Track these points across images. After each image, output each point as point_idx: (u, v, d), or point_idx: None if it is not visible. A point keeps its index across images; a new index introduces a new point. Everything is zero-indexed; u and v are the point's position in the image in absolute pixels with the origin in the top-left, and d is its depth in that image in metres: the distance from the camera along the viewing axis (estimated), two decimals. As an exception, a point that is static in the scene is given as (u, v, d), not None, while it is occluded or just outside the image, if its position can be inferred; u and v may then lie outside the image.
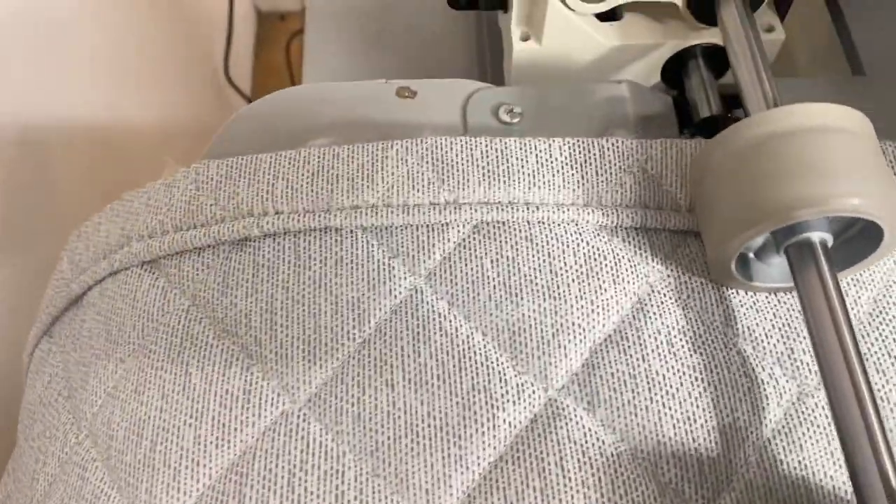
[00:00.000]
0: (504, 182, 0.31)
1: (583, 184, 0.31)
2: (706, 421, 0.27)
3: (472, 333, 0.28)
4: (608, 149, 0.31)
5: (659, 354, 0.28)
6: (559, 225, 0.30)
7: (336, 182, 0.31)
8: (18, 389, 0.36)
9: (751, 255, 0.29)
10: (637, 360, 0.28)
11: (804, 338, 0.28)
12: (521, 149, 0.31)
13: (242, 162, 0.32)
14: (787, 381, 0.27)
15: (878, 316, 0.28)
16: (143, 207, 0.32)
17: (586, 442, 0.26)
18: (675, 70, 0.39)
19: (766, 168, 0.26)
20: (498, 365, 0.28)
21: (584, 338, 0.28)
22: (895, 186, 0.26)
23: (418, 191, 0.30)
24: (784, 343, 0.28)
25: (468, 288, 0.29)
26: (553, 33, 0.38)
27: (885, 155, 0.30)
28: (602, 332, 0.28)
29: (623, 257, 0.30)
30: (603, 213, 0.30)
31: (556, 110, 0.35)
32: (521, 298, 0.29)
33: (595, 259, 0.30)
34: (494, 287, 0.29)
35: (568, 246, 0.30)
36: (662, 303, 0.29)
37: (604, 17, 0.38)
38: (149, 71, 0.82)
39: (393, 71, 0.49)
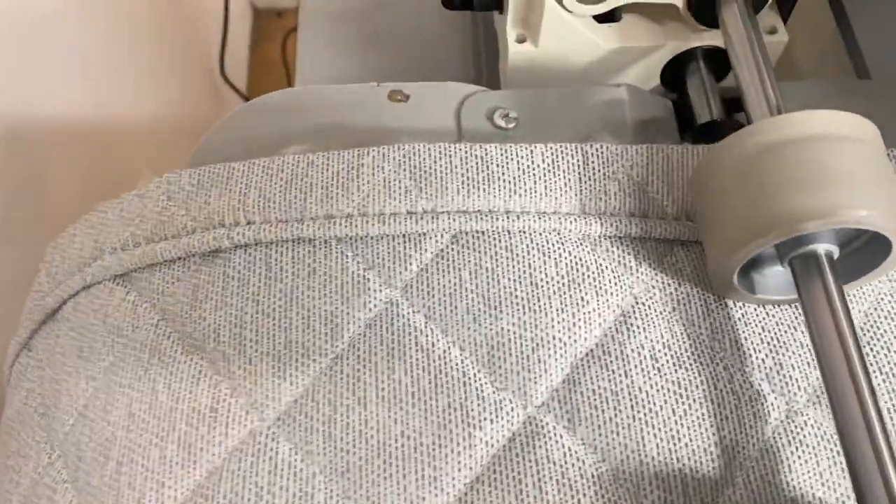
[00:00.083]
0: (484, 190, 0.30)
1: (565, 191, 0.30)
2: (691, 440, 0.26)
3: (449, 348, 0.28)
4: (592, 155, 0.31)
5: (642, 370, 0.27)
6: (541, 234, 0.30)
7: (310, 191, 0.30)
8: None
9: (753, 266, 0.28)
10: (619, 375, 0.27)
11: (793, 352, 0.28)
12: (501, 155, 0.31)
13: (215, 171, 0.31)
14: (775, 398, 0.27)
15: (868, 330, 0.28)
16: (116, 219, 0.32)
17: (566, 462, 0.26)
18: (674, 73, 0.39)
19: (771, 178, 0.26)
20: (476, 381, 0.27)
21: (565, 352, 0.28)
22: None
23: (395, 199, 0.30)
24: (773, 358, 0.27)
25: (446, 301, 0.29)
26: (549, 35, 0.37)
27: (893, 163, 0.30)
28: (584, 346, 0.28)
29: (606, 268, 0.29)
30: (586, 222, 0.30)
31: (553, 115, 0.35)
32: (501, 311, 0.28)
33: (577, 270, 0.29)
34: (473, 300, 0.29)
35: (549, 256, 0.29)
36: (647, 315, 0.28)
37: (602, 18, 0.38)
38: (142, 68, 0.82)
39: (387, 72, 0.49)
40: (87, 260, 0.32)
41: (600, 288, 0.29)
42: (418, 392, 0.27)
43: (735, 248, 0.26)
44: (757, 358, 0.28)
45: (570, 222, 0.30)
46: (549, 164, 0.30)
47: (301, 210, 0.30)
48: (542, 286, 0.29)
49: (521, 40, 0.39)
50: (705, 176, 0.28)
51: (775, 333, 0.28)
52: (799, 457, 0.26)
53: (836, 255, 0.27)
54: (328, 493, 0.26)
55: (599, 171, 0.30)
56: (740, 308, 0.29)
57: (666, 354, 0.28)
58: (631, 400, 0.27)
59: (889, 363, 0.27)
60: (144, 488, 0.26)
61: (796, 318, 0.28)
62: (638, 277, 0.29)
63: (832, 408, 0.24)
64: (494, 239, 0.30)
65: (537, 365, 0.27)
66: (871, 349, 0.28)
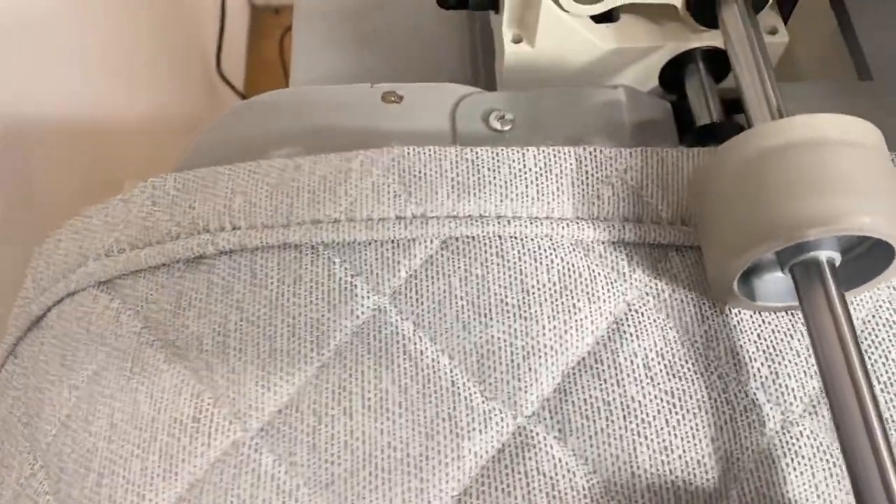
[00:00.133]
0: (474, 194, 0.30)
1: (558, 195, 0.30)
2: (684, 451, 0.26)
3: (438, 356, 0.28)
4: (585, 158, 0.30)
5: (635, 379, 0.27)
6: (532, 240, 0.29)
7: (296, 195, 0.30)
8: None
9: (752, 272, 0.28)
10: (612, 385, 0.27)
11: (789, 361, 0.27)
12: (493, 159, 0.30)
13: (200, 175, 0.31)
14: (771, 408, 0.27)
15: (866, 339, 0.28)
16: (101, 224, 0.32)
17: (556, 474, 0.26)
18: (673, 74, 0.39)
19: (772, 183, 0.26)
20: (465, 390, 0.27)
21: (557, 361, 0.27)
22: None
23: (383, 204, 0.30)
24: (769, 367, 0.27)
25: (435, 308, 0.28)
26: (546, 35, 0.37)
27: None
28: (575, 354, 0.28)
29: (599, 274, 0.29)
30: (579, 227, 0.29)
31: (549, 117, 0.35)
32: (491, 319, 0.28)
33: (570, 276, 0.29)
34: (463, 307, 0.28)
35: (541, 262, 0.29)
36: (640, 323, 0.28)
37: (599, 18, 0.38)
38: (138, 66, 0.82)
39: (383, 72, 0.49)
40: (72, 266, 0.32)
41: (593, 295, 0.28)
42: (406, 402, 0.27)
43: (735, 255, 0.26)
44: (752, 367, 0.27)
45: (563, 227, 0.29)
46: (541, 168, 0.30)
47: (287, 215, 0.30)
48: (534, 293, 0.28)
49: (517, 40, 0.38)
50: (705, 180, 0.28)
51: (771, 342, 0.28)
52: (794, 469, 0.26)
53: (838, 263, 0.27)
54: (312, 505, 0.25)
55: (593, 174, 0.30)
56: (736, 315, 0.28)
57: (659, 363, 0.27)
58: (623, 410, 0.26)
59: (887, 372, 0.27)
60: (125, 501, 0.26)
61: (792, 325, 0.28)
62: (631, 284, 0.29)
63: (834, 418, 0.24)
64: (485, 245, 0.29)
65: (528, 374, 0.27)
66: (869, 357, 0.27)
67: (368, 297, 0.29)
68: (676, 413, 0.26)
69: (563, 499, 0.25)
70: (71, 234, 0.33)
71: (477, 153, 0.30)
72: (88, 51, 0.71)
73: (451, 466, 0.26)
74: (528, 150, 0.30)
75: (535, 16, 0.37)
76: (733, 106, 0.36)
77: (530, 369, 0.27)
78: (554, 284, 0.29)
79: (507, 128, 0.34)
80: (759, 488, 0.25)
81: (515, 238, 0.29)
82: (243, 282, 0.29)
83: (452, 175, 0.30)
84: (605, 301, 0.28)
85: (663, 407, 0.26)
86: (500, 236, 0.29)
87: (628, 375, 0.27)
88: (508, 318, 0.28)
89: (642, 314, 0.28)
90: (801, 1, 0.38)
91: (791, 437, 0.26)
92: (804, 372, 0.27)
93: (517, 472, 0.26)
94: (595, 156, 0.30)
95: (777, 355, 0.27)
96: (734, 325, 0.28)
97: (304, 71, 0.51)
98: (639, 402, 0.27)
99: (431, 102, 0.36)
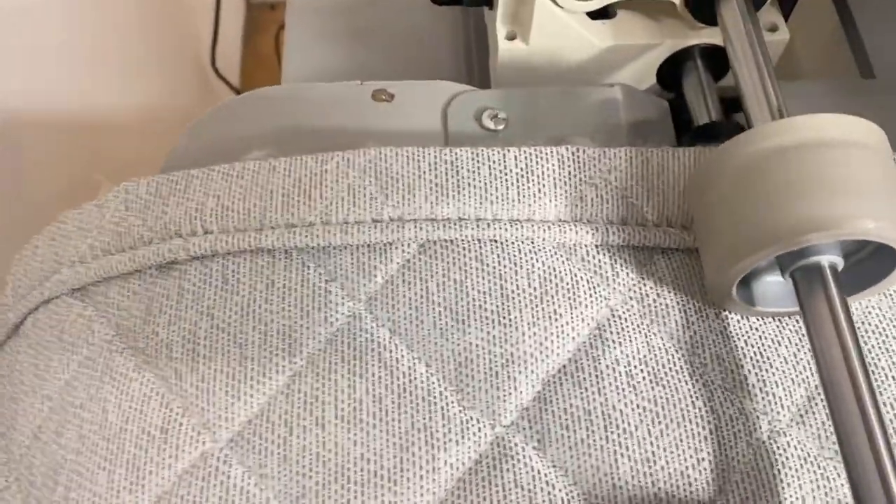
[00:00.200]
0: (453, 196, 0.29)
1: (539, 197, 0.29)
2: (667, 462, 0.25)
3: (414, 364, 0.27)
4: (568, 159, 0.30)
5: (617, 387, 0.27)
6: (513, 243, 0.29)
7: (270, 198, 0.30)
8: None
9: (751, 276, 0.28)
10: (593, 393, 0.27)
11: (777, 368, 0.27)
12: (472, 160, 0.30)
13: (174, 179, 0.31)
14: (757, 417, 0.26)
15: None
16: (75, 230, 0.32)
17: (534, 486, 0.25)
18: (671, 72, 0.38)
19: (773, 186, 0.25)
20: (442, 399, 0.27)
21: (537, 369, 0.27)
22: None
23: (359, 207, 0.29)
24: (756, 374, 0.27)
25: (412, 314, 0.28)
26: (541, 32, 0.37)
27: None
28: (556, 362, 0.27)
29: (582, 279, 0.28)
30: (561, 230, 0.29)
31: (544, 115, 0.34)
32: (469, 325, 0.28)
33: (551, 281, 0.28)
34: (440, 313, 0.28)
35: (521, 267, 0.29)
36: (623, 329, 0.28)
37: (595, 15, 0.37)
38: (130, 61, 0.82)
39: (376, 68, 0.49)
40: (48, 273, 0.32)
41: (575, 300, 0.28)
42: (380, 412, 0.26)
43: (735, 260, 0.26)
44: (739, 374, 0.27)
45: (544, 230, 0.29)
46: (522, 169, 0.30)
47: (260, 218, 0.29)
48: (514, 298, 0.28)
49: (511, 37, 0.38)
50: (703, 182, 0.28)
51: (759, 348, 0.27)
52: (781, 480, 0.25)
53: (840, 267, 0.26)
54: (283, 519, 0.25)
55: (576, 175, 0.30)
56: (722, 320, 0.28)
57: (643, 370, 0.27)
58: (604, 419, 0.26)
59: (877, 379, 0.26)
60: (91, 515, 0.26)
61: (780, 332, 0.28)
62: (615, 288, 0.28)
63: (835, 425, 0.24)
64: (464, 248, 0.29)
65: (507, 382, 0.27)
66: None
67: (343, 304, 0.28)
68: (660, 422, 0.26)
69: (541, 512, 0.25)
70: (48, 240, 0.33)
71: (456, 154, 0.30)
72: (78, 45, 0.71)
73: (426, 479, 0.26)
74: (509, 150, 0.30)
75: (529, 12, 0.36)
76: (732, 105, 0.36)
77: (509, 377, 0.27)
78: (535, 289, 0.28)
79: (500, 127, 0.34)
80: (745, 500, 0.25)
81: (495, 242, 0.29)
82: (214, 288, 0.29)
83: (431, 177, 0.30)
84: (587, 306, 0.28)
85: (646, 416, 0.26)
86: (479, 240, 0.29)
87: (610, 383, 0.27)
88: (487, 324, 0.28)
89: (626, 320, 0.28)
90: (803, -2, 0.38)
91: (778, 447, 0.26)
92: (791, 380, 0.27)
93: (494, 484, 0.25)
94: (578, 156, 0.30)
95: (764, 362, 0.27)
96: (721, 331, 0.28)
97: (297, 67, 0.51)
98: (620, 410, 0.26)
99: (423, 101, 0.35)
